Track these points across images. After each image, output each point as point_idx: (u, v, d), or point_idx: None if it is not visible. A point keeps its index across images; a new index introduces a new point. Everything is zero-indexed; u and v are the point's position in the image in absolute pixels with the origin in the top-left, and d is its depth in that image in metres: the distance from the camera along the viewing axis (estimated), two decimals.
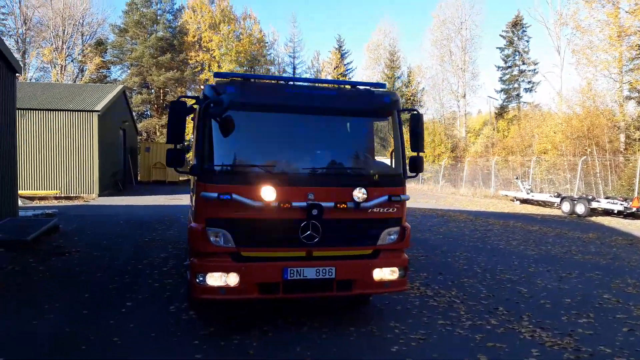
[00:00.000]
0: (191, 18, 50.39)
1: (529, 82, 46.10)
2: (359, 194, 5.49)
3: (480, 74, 53.66)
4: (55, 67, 46.93)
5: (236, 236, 5.35)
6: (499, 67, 47.50)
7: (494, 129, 41.71)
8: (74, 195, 23.13)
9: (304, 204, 5.36)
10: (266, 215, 5.36)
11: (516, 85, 46.84)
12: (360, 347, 5.27)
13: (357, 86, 6.20)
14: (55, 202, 21.06)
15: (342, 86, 6.27)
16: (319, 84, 6.05)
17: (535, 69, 45.88)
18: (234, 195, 5.22)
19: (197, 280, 5.33)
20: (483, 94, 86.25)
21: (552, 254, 11.04)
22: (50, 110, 23.35)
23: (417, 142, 6.03)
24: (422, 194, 33.61)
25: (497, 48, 47.93)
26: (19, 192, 21.31)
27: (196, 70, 49.23)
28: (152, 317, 6.08)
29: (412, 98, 49.43)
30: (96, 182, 23.56)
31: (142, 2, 49.89)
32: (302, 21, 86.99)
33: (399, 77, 51.11)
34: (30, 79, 45.35)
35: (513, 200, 25.46)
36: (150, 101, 50.65)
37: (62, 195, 22.86)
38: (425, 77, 49.61)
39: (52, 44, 46.73)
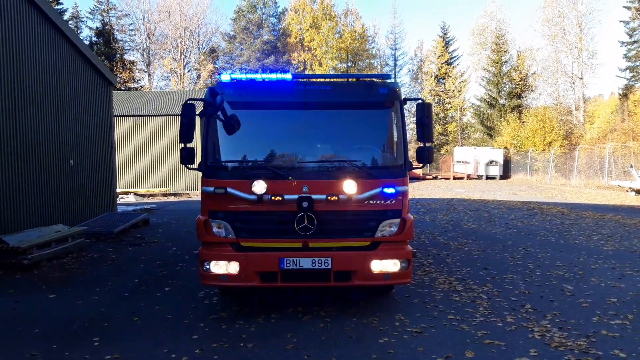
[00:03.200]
0: (294, 19, 52.24)
1: None
2: (348, 186, 5.56)
3: (599, 52, 48.44)
4: (174, 75, 51.63)
5: (235, 227, 5.75)
6: (622, 43, 42.52)
7: (614, 112, 37.44)
8: (181, 192, 25.46)
9: (296, 196, 5.57)
10: (261, 208, 5.67)
11: None
12: (349, 338, 5.33)
13: (361, 79, 6.24)
14: (163, 199, 23.37)
15: (340, 80, 6.31)
16: (317, 79, 6.15)
17: None
18: (229, 189, 5.62)
19: (204, 268, 5.83)
20: (603, 74, 78.44)
21: (632, 250, 9.88)
22: (159, 115, 25.93)
23: (424, 132, 5.95)
24: (527, 185, 31.55)
25: (620, 22, 43.01)
26: (134, 190, 24.06)
27: (299, 70, 50.89)
28: (178, 301, 6.70)
29: (521, 82, 46.23)
30: (199, 180, 25.66)
31: (248, 9, 52.85)
32: (404, 10, 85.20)
33: (506, 61, 48.10)
34: (155, 88, 50.46)
35: (627, 191, 22.86)
36: None
37: (171, 192, 25.26)
38: (536, 59, 46.14)
39: (171, 55, 51.46)
